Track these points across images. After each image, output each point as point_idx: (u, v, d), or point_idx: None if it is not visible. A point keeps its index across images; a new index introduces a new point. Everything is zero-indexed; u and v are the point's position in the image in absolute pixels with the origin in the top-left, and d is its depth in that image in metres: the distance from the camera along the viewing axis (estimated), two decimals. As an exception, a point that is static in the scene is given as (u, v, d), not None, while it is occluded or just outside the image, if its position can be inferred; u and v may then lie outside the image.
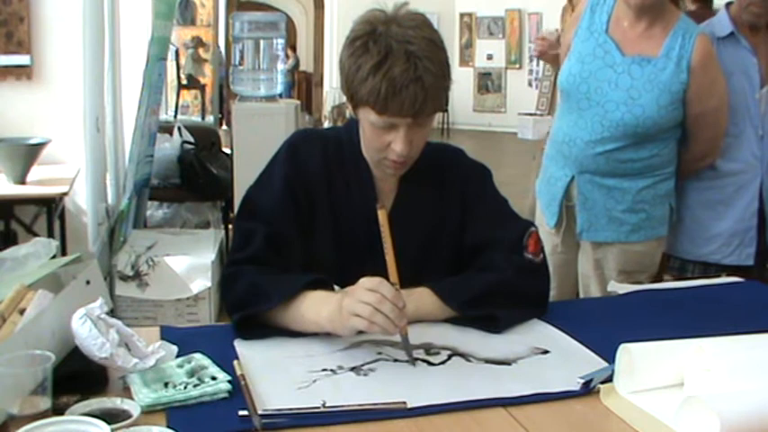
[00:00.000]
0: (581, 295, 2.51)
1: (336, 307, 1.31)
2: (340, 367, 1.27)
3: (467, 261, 1.55)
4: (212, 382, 1.16)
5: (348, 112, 1.59)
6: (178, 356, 1.25)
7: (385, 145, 1.44)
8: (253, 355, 1.30)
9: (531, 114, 12.49)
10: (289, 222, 1.49)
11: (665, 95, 2.23)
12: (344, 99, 1.52)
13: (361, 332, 1.39)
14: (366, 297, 1.27)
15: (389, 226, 1.36)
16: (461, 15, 14.56)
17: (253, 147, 3.45)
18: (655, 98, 2.23)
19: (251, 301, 1.38)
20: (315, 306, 1.36)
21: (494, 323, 1.43)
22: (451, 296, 1.46)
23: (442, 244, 1.57)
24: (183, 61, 9.40)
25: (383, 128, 1.42)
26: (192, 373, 1.19)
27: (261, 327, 1.39)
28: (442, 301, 1.45)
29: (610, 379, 1.20)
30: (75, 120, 3.57)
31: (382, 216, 1.37)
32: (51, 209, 3.26)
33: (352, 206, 1.53)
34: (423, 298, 1.45)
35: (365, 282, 1.29)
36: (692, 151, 2.41)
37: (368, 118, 1.42)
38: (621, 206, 2.36)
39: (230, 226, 4.40)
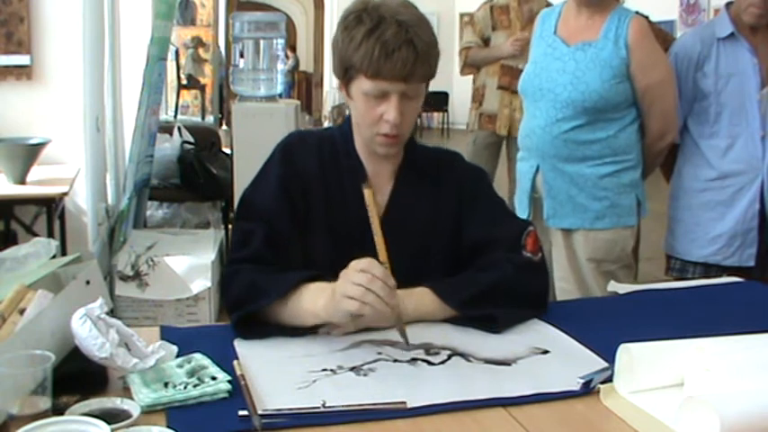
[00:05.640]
0: (557, 295, 2.52)
1: (331, 293, 1.33)
2: (340, 367, 1.27)
3: (465, 261, 1.55)
4: (212, 382, 1.16)
5: (348, 112, 1.60)
6: (178, 356, 1.25)
7: (377, 117, 1.47)
8: (253, 355, 1.30)
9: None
10: (286, 222, 1.50)
11: (607, 70, 2.35)
12: (344, 99, 1.54)
13: (360, 331, 1.39)
14: (357, 278, 1.29)
15: (376, 206, 1.39)
16: (461, 15, 14.55)
17: (253, 147, 3.43)
18: (597, 74, 2.35)
19: (249, 298, 1.39)
20: (312, 296, 1.37)
21: (493, 323, 1.43)
22: (451, 295, 1.46)
23: (438, 242, 1.58)
24: (183, 61, 9.41)
25: (376, 97, 1.45)
26: (191, 373, 1.19)
27: (260, 325, 1.39)
28: (441, 301, 1.46)
29: (610, 379, 1.20)
30: (75, 120, 3.57)
31: (368, 195, 1.40)
32: (51, 209, 3.25)
33: (347, 203, 1.54)
34: (422, 298, 1.46)
35: (355, 263, 1.31)
36: (649, 130, 2.46)
37: (361, 88, 1.45)
38: (584, 193, 2.42)
39: (230, 226, 4.40)
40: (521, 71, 4.32)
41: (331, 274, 1.39)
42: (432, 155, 1.65)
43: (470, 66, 4.43)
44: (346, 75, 1.48)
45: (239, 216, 1.55)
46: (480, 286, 1.46)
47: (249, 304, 1.39)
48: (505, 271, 1.49)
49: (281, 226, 1.49)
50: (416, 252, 1.55)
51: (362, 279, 1.28)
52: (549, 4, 4.34)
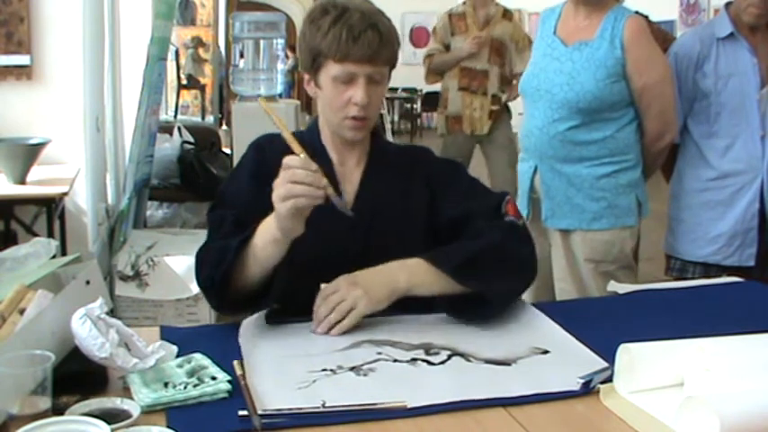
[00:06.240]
0: (557, 295, 2.52)
1: (274, 212, 1.36)
2: (340, 367, 1.27)
3: (447, 237, 1.56)
4: (212, 382, 1.16)
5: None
6: (178, 356, 1.25)
7: (345, 102, 1.52)
8: (253, 355, 1.30)
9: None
10: (257, 211, 1.50)
11: (602, 70, 2.34)
12: (312, 93, 1.59)
13: (360, 331, 1.39)
14: (280, 178, 1.33)
15: (273, 111, 1.44)
16: (461, 15, 14.54)
17: (253, 147, 3.44)
18: (592, 74, 2.34)
19: (220, 263, 1.41)
20: (263, 227, 1.40)
21: (487, 304, 1.44)
22: (444, 261, 1.46)
23: (410, 233, 1.59)
24: (183, 61, 9.39)
25: (344, 82, 1.51)
26: (191, 373, 1.19)
27: (236, 296, 1.42)
28: (434, 268, 1.46)
29: (610, 379, 1.20)
30: (75, 120, 3.56)
31: (263, 103, 1.46)
32: (51, 209, 3.25)
33: None
34: (414, 266, 1.46)
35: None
36: (648, 131, 2.44)
37: (329, 74, 1.52)
38: (581, 193, 2.42)
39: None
40: (479, 72, 4.64)
41: (303, 267, 1.40)
42: (401, 150, 1.72)
43: (434, 72, 4.75)
44: (314, 64, 1.54)
45: (212, 207, 1.59)
46: (472, 252, 1.47)
47: (220, 264, 1.40)
48: (493, 235, 1.50)
49: (253, 214, 1.49)
50: (388, 242, 1.56)
51: (285, 176, 1.32)
52: (506, 11, 4.71)
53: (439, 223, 1.60)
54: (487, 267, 1.46)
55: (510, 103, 4.85)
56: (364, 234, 1.55)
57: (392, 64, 1.56)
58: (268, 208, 1.52)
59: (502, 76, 4.66)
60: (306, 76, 1.59)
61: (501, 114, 4.73)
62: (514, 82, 4.73)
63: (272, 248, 1.39)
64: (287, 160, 1.34)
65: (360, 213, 1.53)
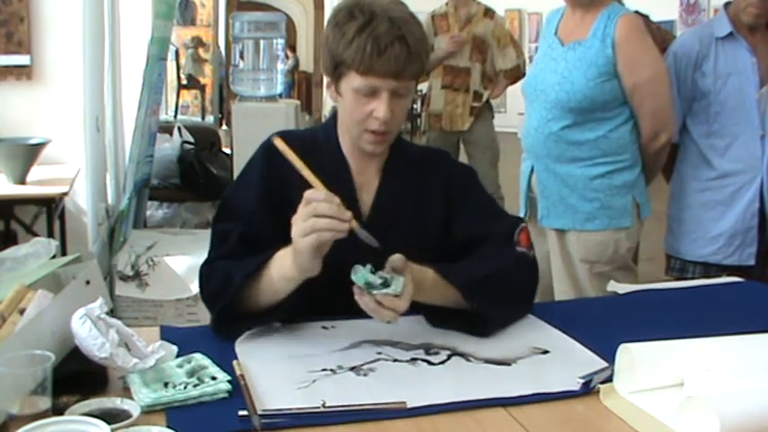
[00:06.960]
0: (555, 296, 2.51)
1: (292, 249, 1.31)
2: (340, 367, 1.27)
3: (457, 256, 1.52)
4: (212, 382, 1.16)
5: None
6: (178, 356, 1.25)
7: (367, 114, 1.45)
8: (253, 355, 1.30)
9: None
10: (265, 222, 1.47)
11: (592, 69, 2.33)
12: (331, 96, 1.53)
13: (359, 331, 1.39)
14: (301, 213, 1.27)
15: (294, 152, 1.36)
16: (461, 15, 14.55)
17: (253, 147, 3.40)
18: (583, 74, 2.34)
19: (225, 288, 1.37)
20: (279, 262, 1.35)
21: (483, 325, 1.41)
22: (454, 274, 1.41)
23: (425, 240, 1.56)
24: (183, 61, 9.41)
25: (366, 94, 1.43)
26: (191, 373, 1.19)
27: (239, 320, 1.38)
28: (443, 279, 1.40)
29: (610, 379, 1.20)
30: (76, 120, 3.56)
31: (280, 144, 1.37)
32: (51, 209, 3.25)
33: None
34: (424, 273, 1.39)
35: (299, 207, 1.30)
36: (642, 130, 2.41)
37: (351, 85, 1.44)
38: (575, 194, 2.41)
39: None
40: (461, 69, 4.74)
41: (313, 281, 1.36)
42: (419, 153, 1.65)
43: None
44: (336, 71, 1.46)
45: (218, 218, 1.54)
46: (485, 271, 1.43)
47: (225, 293, 1.37)
48: (506, 262, 1.48)
49: (260, 227, 1.47)
50: (403, 250, 1.53)
51: (307, 210, 1.27)
52: (488, 9, 4.77)
53: (451, 241, 1.56)
54: (495, 291, 1.41)
55: (508, 103, 4.92)
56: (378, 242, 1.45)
57: (419, 77, 1.48)
58: (278, 220, 1.49)
59: (484, 72, 4.76)
60: (326, 80, 1.52)
61: (482, 111, 4.81)
62: (500, 78, 4.82)
63: (284, 284, 1.35)
64: (308, 194, 1.28)
65: (375, 226, 1.43)
